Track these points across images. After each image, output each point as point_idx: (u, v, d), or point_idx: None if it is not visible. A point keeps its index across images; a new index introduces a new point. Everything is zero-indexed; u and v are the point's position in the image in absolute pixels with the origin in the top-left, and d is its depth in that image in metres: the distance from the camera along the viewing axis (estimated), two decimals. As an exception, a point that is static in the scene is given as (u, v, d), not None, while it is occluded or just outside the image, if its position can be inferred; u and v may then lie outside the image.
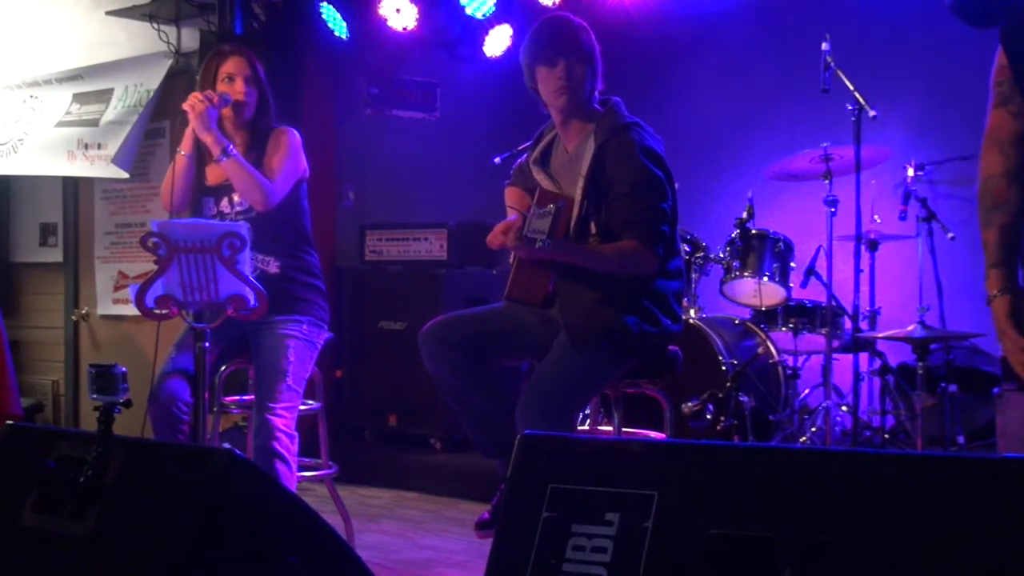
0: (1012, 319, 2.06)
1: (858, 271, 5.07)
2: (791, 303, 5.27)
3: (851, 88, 4.95)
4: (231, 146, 3.66)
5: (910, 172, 5.33)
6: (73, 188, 6.73)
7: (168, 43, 6.11)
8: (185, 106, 3.65)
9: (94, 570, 2.11)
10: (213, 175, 3.79)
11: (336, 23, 5.75)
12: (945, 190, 5.61)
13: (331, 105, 6.30)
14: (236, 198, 3.74)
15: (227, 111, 3.72)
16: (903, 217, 5.25)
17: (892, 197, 5.43)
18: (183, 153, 3.73)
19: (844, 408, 5.16)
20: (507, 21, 5.91)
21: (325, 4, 5.70)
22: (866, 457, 1.73)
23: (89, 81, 6.18)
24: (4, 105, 6.40)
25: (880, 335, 4.91)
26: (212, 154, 3.68)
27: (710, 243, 5.33)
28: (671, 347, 3.44)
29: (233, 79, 3.75)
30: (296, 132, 3.83)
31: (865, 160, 4.97)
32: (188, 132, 3.71)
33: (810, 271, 5.18)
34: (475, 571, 3.78)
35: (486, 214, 4.80)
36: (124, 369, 2.35)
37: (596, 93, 3.40)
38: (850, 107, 4.95)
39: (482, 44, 5.99)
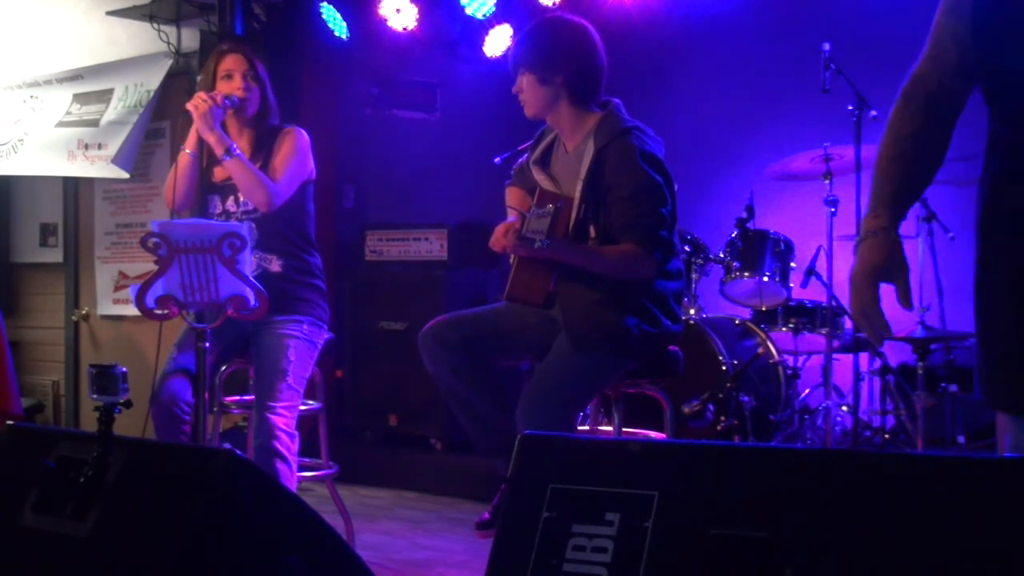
0: (873, 276, 1.99)
1: (858, 271, 5.06)
2: (791, 303, 5.27)
3: (852, 88, 4.95)
4: (235, 146, 3.65)
5: (910, 172, 5.31)
6: (73, 188, 6.73)
7: (168, 43, 6.10)
8: (189, 106, 3.64)
9: (94, 570, 2.11)
10: (219, 172, 3.78)
11: (336, 23, 5.75)
12: (945, 190, 5.56)
13: (331, 105, 6.30)
14: (242, 197, 3.74)
15: (229, 111, 3.71)
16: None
17: (892, 197, 5.42)
18: (187, 151, 3.72)
19: (844, 408, 5.15)
20: (507, 21, 5.91)
21: (325, 4, 5.70)
22: (866, 457, 1.73)
23: (89, 81, 6.17)
24: (4, 105, 6.40)
25: (880, 335, 4.89)
26: (216, 153, 3.68)
27: (710, 243, 5.32)
28: (671, 347, 3.44)
29: (232, 76, 3.74)
30: (304, 132, 3.81)
31: (865, 160, 4.96)
32: (192, 130, 3.70)
33: (810, 271, 5.18)
34: (476, 571, 3.78)
35: (486, 214, 4.80)
36: (124, 369, 2.35)
37: (584, 93, 3.34)
38: (850, 107, 4.95)
39: (482, 44, 5.98)
